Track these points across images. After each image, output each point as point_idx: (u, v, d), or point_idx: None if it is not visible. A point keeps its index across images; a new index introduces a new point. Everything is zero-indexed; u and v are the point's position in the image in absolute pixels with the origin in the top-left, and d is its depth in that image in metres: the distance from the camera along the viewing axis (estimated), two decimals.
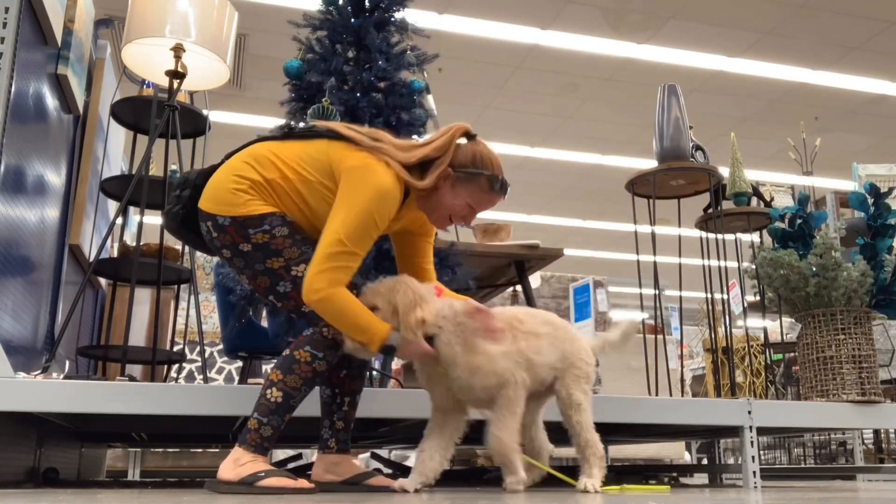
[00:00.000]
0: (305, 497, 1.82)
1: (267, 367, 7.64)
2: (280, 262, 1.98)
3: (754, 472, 2.83)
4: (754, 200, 4.25)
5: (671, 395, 3.93)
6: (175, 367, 3.68)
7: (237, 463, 1.91)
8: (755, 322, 5.45)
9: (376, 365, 3.95)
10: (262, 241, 1.97)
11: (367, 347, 1.94)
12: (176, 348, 5.13)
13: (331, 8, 3.00)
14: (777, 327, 4.85)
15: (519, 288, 4.14)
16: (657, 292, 3.69)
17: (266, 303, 2.45)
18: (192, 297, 3.31)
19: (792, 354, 5.20)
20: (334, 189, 1.98)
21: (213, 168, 2.10)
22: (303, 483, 1.93)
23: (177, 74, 3.18)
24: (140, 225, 3.21)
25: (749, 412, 2.86)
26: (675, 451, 5.27)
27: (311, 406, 2.24)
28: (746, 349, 5.12)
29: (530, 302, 3.84)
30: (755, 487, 2.80)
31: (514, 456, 2.01)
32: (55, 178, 3.36)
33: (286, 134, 2.12)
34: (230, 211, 1.97)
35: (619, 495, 1.99)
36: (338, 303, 1.90)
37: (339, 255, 1.90)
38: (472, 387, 2.02)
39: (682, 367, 3.88)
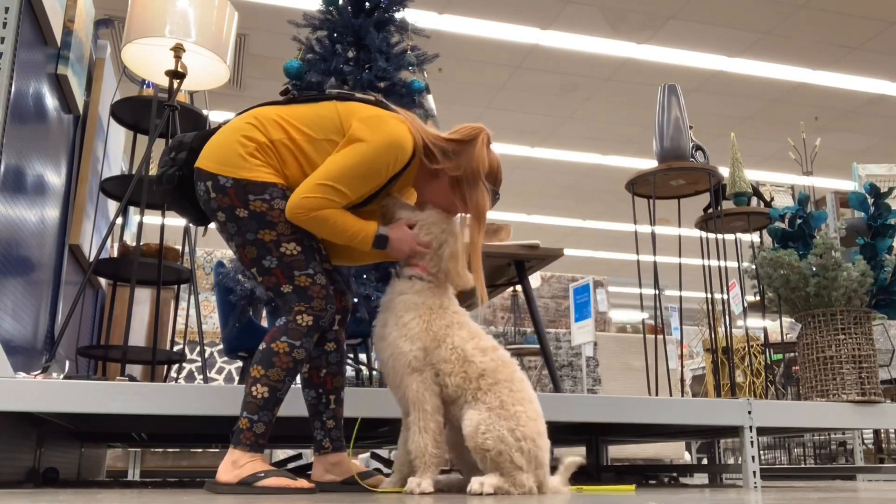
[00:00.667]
0: (305, 497, 1.82)
1: None
2: (272, 236, 1.97)
3: (754, 472, 2.83)
4: (754, 200, 4.25)
5: (671, 395, 3.93)
6: (175, 367, 3.68)
7: (236, 465, 1.90)
8: (755, 322, 5.44)
9: (376, 365, 3.95)
10: (259, 210, 1.95)
11: (361, 247, 1.99)
12: (176, 348, 5.13)
13: (331, 8, 3.00)
14: (777, 327, 4.85)
15: (519, 288, 4.14)
16: (657, 292, 3.68)
17: (248, 275, 2.41)
18: (192, 297, 3.31)
19: (792, 354, 5.20)
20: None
21: (211, 132, 2.08)
22: (303, 483, 1.92)
23: (177, 74, 3.18)
24: (140, 225, 3.21)
25: (749, 412, 2.86)
26: (675, 451, 5.27)
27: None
28: (746, 349, 5.12)
29: (530, 302, 3.83)
30: (755, 487, 2.80)
31: (426, 460, 1.90)
32: (55, 178, 3.36)
33: (291, 99, 2.11)
34: (233, 172, 1.96)
35: (582, 496, 1.98)
36: (320, 220, 1.93)
37: (327, 188, 1.92)
38: (381, 357, 2.01)
39: (682, 367, 3.88)
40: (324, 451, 2.15)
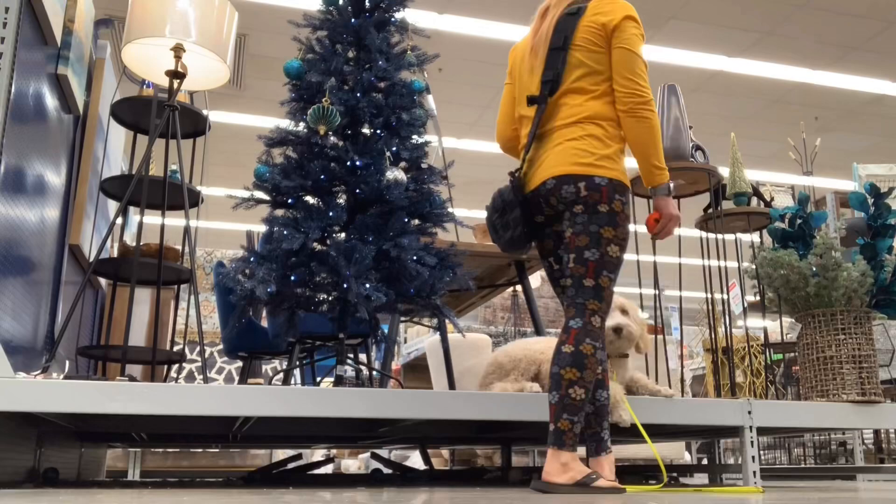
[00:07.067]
0: (619, 497, 1.93)
1: (267, 368, 7.65)
2: (610, 233, 2.16)
3: (754, 472, 2.83)
4: (754, 200, 4.25)
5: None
6: (175, 367, 3.68)
7: (567, 467, 2.03)
8: (755, 322, 5.43)
9: (376, 365, 3.95)
10: (616, 210, 2.17)
11: (661, 178, 2.23)
12: (176, 348, 5.13)
13: (331, 8, 3.00)
14: (777, 327, 4.85)
15: (519, 288, 4.13)
16: (657, 292, 3.68)
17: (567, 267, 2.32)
18: (192, 297, 3.31)
19: (792, 354, 5.20)
20: None
21: (516, 186, 2.30)
22: (617, 485, 2.08)
23: (177, 74, 3.18)
24: (140, 225, 3.21)
25: (749, 412, 2.86)
26: (675, 451, 5.26)
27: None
28: (746, 349, 5.12)
29: (530, 302, 3.83)
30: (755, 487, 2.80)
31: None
32: (55, 178, 3.36)
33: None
34: (607, 173, 2.19)
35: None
36: (658, 121, 2.23)
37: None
38: None
39: (682, 367, 3.88)
40: (608, 452, 2.25)
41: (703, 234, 4.15)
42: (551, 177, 2.21)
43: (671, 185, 2.24)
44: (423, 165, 2.94)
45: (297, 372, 4.38)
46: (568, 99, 2.27)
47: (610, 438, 2.27)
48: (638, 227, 3.92)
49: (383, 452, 5.22)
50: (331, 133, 2.82)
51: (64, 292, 3.66)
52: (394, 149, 2.82)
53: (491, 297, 4.53)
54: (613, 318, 2.72)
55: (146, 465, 5.08)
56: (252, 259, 2.74)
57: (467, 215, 10.48)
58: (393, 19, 3.03)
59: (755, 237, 4.56)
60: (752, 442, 2.84)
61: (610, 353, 2.77)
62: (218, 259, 8.07)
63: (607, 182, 2.17)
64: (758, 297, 4.40)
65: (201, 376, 3.12)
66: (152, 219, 4.45)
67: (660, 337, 3.96)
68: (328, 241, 2.79)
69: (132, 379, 2.48)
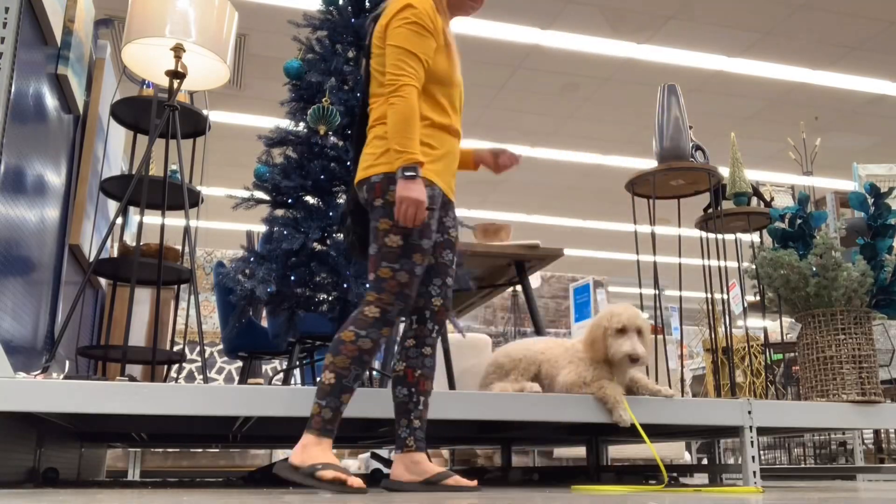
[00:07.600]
0: (359, 497, 1.88)
1: (267, 367, 7.65)
2: (386, 225, 2.14)
3: (754, 472, 2.83)
4: (754, 200, 4.25)
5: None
6: (175, 367, 3.67)
7: (304, 449, 2.01)
8: (755, 322, 5.43)
9: (376, 365, 3.95)
10: (391, 200, 2.13)
11: (399, 162, 2.07)
12: (176, 348, 5.13)
13: (331, 8, 3.00)
14: (777, 327, 4.85)
15: (519, 288, 4.14)
16: (657, 292, 3.68)
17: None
18: (192, 297, 3.30)
19: (792, 354, 5.20)
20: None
21: (349, 198, 2.33)
22: (356, 481, 1.99)
23: (177, 74, 3.18)
24: (140, 225, 3.21)
25: (749, 412, 2.86)
26: (675, 451, 5.26)
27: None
28: (746, 349, 5.12)
29: (530, 302, 3.84)
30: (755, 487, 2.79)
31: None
32: (55, 178, 3.36)
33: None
34: (378, 169, 2.17)
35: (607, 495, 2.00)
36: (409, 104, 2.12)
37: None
38: None
39: (682, 367, 3.88)
40: (407, 448, 2.20)
41: (703, 234, 4.15)
42: (356, 186, 2.27)
43: (410, 170, 2.08)
44: None
45: (297, 372, 4.38)
46: (371, 107, 2.30)
47: (414, 438, 2.20)
48: (639, 228, 3.92)
49: (383, 452, 5.22)
50: (331, 133, 2.82)
51: (64, 292, 3.66)
52: None
53: (491, 297, 4.53)
54: (633, 344, 2.62)
55: (146, 465, 5.08)
56: (252, 259, 2.74)
57: (467, 215, 10.49)
58: None
59: (755, 237, 4.56)
60: (752, 442, 2.84)
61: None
62: (218, 259, 8.07)
63: (381, 177, 2.16)
64: (758, 297, 4.40)
65: (201, 376, 3.12)
66: (152, 219, 4.44)
67: (660, 337, 3.96)
68: (328, 241, 2.79)
69: (132, 379, 2.48)
